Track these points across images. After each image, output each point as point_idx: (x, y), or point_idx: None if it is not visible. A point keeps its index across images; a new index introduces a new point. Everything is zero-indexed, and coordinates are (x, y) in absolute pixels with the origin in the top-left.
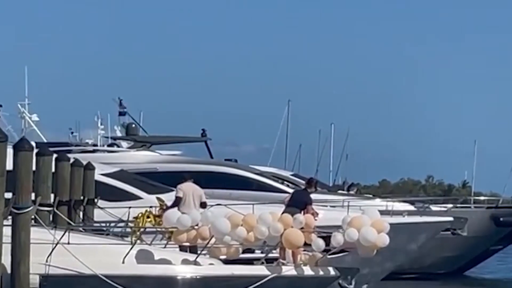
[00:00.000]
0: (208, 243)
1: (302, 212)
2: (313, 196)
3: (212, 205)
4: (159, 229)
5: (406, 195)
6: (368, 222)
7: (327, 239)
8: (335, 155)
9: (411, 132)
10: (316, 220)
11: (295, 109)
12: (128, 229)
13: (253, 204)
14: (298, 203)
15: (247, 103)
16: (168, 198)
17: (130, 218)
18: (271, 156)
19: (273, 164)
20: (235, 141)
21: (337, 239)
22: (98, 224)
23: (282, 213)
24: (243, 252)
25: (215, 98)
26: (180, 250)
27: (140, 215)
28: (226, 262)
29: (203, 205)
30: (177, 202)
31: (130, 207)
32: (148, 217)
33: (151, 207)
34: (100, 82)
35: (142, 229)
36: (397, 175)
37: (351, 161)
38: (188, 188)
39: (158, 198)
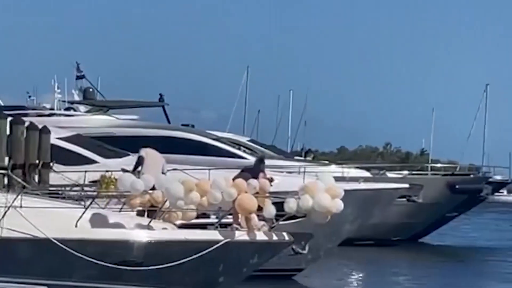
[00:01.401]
0: (161, 207)
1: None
2: (269, 162)
3: (168, 170)
4: (114, 193)
5: (364, 162)
6: (322, 188)
7: (282, 204)
8: (294, 121)
9: (370, 100)
10: (271, 185)
11: (254, 75)
12: (84, 193)
13: (209, 170)
14: (251, 173)
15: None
16: (125, 162)
17: (87, 182)
18: (229, 122)
19: (231, 130)
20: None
21: (290, 205)
22: (53, 188)
23: (235, 178)
24: (199, 217)
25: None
26: (138, 214)
27: (103, 179)
28: (181, 227)
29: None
30: (139, 163)
31: (86, 171)
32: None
33: (107, 171)
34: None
35: (98, 194)
36: (355, 142)
37: (310, 128)
38: (152, 152)
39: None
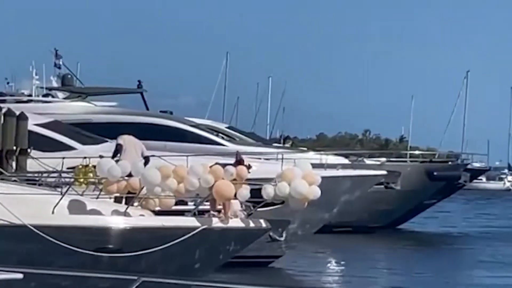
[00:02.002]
0: (138, 193)
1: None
2: (248, 149)
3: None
4: (91, 180)
5: (343, 149)
6: (299, 174)
7: (259, 191)
8: (273, 108)
9: (349, 86)
10: (249, 172)
11: (233, 62)
12: (62, 180)
13: (187, 156)
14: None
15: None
16: (102, 149)
17: (65, 169)
18: (209, 108)
19: (211, 117)
20: (174, 93)
21: (268, 191)
22: (30, 174)
23: (212, 165)
24: (177, 203)
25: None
26: (115, 201)
27: (81, 167)
28: (159, 213)
29: (146, 159)
30: (118, 150)
31: (64, 158)
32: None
33: (85, 157)
34: (38, 32)
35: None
36: (334, 129)
37: (288, 115)
38: (130, 139)
39: None
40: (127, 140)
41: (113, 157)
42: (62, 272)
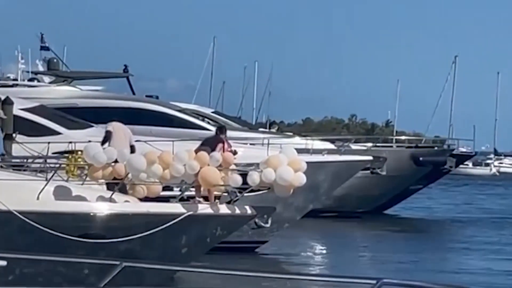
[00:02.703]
0: (123, 179)
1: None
2: (234, 134)
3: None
4: (78, 166)
5: (329, 134)
6: (285, 161)
7: (245, 177)
8: (259, 93)
9: (335, 71)
10: (235, 158)
11: (220, 46)
12: (47, 165)
13: (173, 141)
14: (210, 144)
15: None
16: (88, 133)
17: (50, 154)
18: (195, 93)
19: (197, 102)
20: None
21: (253, 178)
22: (16, 160)
23: (196, 150)
24: (162, 189)
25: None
26: (108, 188)
27: (71, 156)
28: (145, 200)
29: (132, 148)
30: (107, 137)
31: (49, 143)
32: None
33: (70, 142)
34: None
35: (60, 166)
36: (321, 113)
37: (275, 99)
38: (118, 125)
39: None
40: (116, 127)
41: (102, 144)
42: (46, 257)
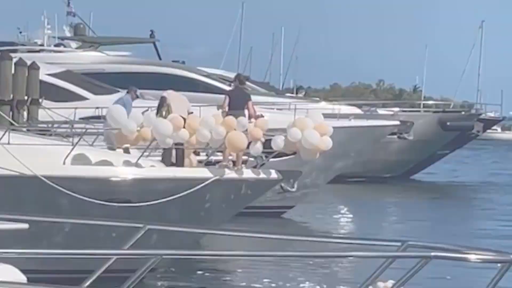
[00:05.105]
0: (150, 144)
1: (246, 112)
2: (260, 99)
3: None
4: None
5: (357, 99)
6: (311, 124)
7: (270, 142)
8: (286, 59)
9: (363, 36)
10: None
11: (248, 11)
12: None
13: (200, 106)
14: (239, 103)
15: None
16: (114, 99)
17: (77, 119)
18: (223, 59)
19: (225, 67)
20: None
21: (277, 142)
22: (42, 125)
23: (226, 115)
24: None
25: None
26: (163, 157)
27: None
28: (171, 165)
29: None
30: (161, 103)
31: (76, 108)
32: None
33: (97, 107)
34: None
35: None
36: (348, 79)
37: (302, 65)
38: (175, 94)
39: None
40: (171, 95)
41: (157, 112)
42: (66, 220)
